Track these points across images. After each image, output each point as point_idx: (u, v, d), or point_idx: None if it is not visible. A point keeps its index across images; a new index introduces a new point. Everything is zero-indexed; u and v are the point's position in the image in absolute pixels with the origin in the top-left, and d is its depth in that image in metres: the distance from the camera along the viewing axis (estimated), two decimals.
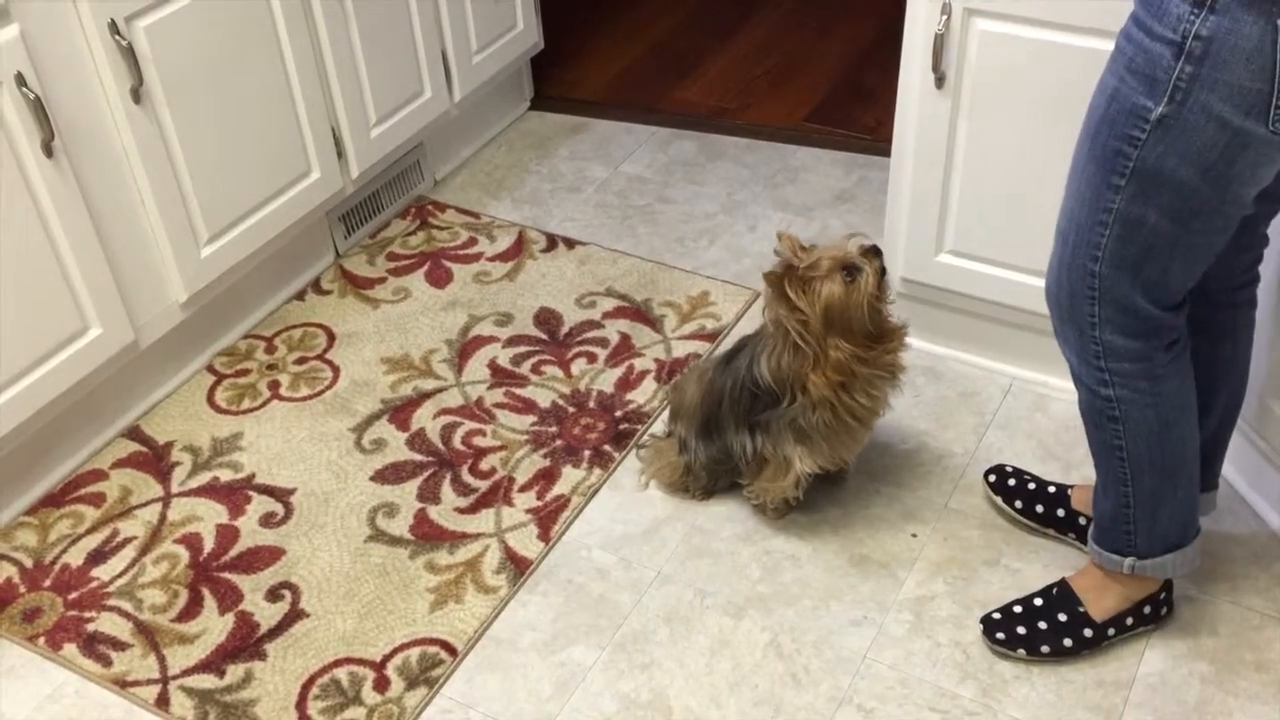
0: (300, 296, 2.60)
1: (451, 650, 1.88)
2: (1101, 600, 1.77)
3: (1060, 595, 1.80)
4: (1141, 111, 1.35)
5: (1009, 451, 2.14)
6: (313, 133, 2.42)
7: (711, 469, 2.03)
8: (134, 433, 2.28)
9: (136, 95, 2.04)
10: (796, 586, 1.95)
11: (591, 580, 1.98)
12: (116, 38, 1.98)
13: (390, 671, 1.85)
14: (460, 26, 2.74)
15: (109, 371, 2.18)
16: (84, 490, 2.17)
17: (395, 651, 1.88)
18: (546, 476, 2.15)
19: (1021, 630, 1.79)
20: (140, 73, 2.03)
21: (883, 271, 1.81)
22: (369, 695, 1.82)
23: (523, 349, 2.42)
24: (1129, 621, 1.79)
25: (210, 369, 2.42)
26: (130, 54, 2.00)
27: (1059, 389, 2.20)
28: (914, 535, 2.02)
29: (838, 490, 2.07)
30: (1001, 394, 2.26)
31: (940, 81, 1.97)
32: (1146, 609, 1.79)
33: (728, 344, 2.39)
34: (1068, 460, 2.10)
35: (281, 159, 2.38)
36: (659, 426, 2.21)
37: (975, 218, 2.09)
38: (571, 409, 2.28)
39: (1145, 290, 1.49)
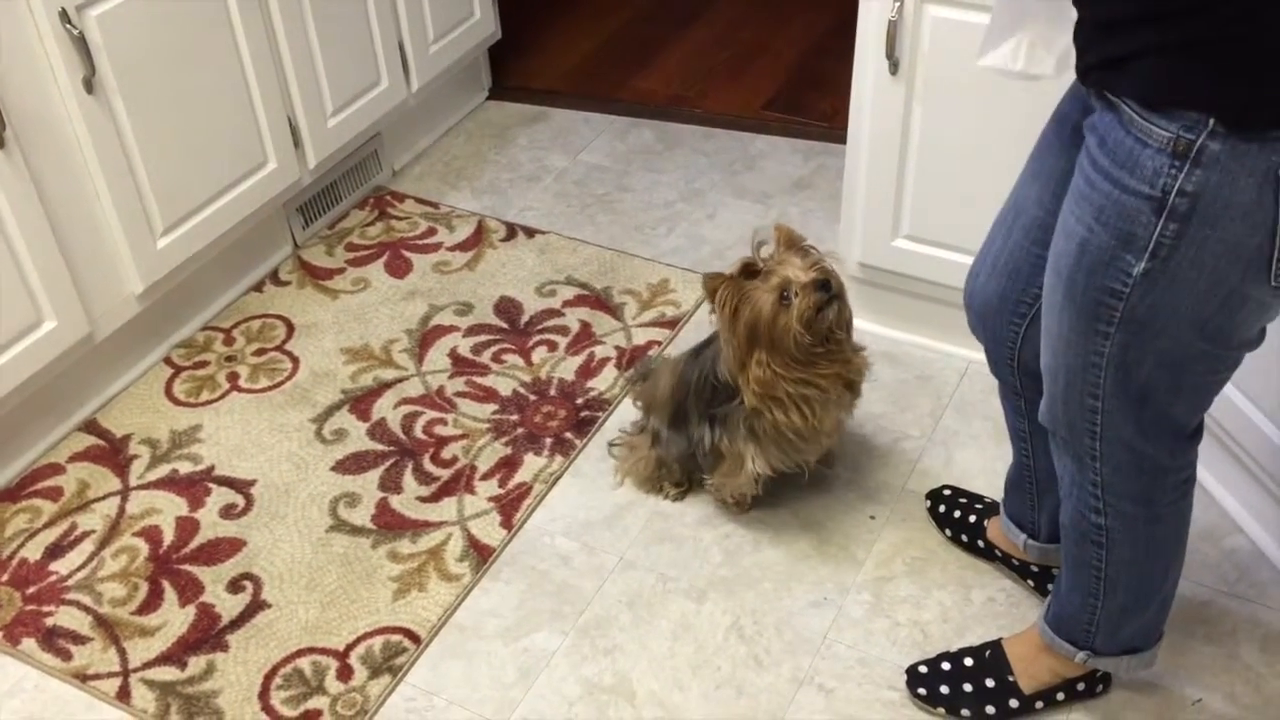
0: (258, 288, 2.58)
1: (415, 638, 1.88)
2: (1035, 671, 1.69)
3: (992, 659, 1.72)
4: (1123, 265, 1.22)
5: (964, 433, 2.17)
6: (269, 123, 2.41)
7: (684, 462, 2.04)
8: (91, 426, 2.27)
9: (89, 85, 2.02)
10: (757, 570, 1.97)
11: (554, 567, 1.99)
12: (68, 27, 1.96)
13: (353, 660, 1.85)
14: (417, 16, 2.73)
15: (65, 364, 2.16)
16: (41, 484, 2.15)
17: (358, 640, 1.88)
18: (508, 464, 2.15)
19: (944, 690, 1.73)
20: (93, 62, 2.01)
21: (823, 305, 1.74)
22: (332, 684, 1.82)
23: (483, 338, 2.43)
24: (1059, 697, 1.71)
25: (168, 361, 2.41)
26: (82, 43, 1.98)
27: None
28: (872, 517, 2.04)
29: (791, 476, 2.09)
30: (958, 377, 2.29)
31: (894, 68, 1.99)
32: (1081, 685, 1.71)
33: (688, 331, 2.41)
34: None
35: (237, 149, 2.37)
36: (628, 422, 2.21)
37: (930, 203, 2.12)
38: (532, 397, 2.29)
39: (1150, 428, 1.37)
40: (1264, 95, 1.09)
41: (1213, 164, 1.13)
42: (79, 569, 2.00)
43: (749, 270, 1.80)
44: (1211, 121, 1.11)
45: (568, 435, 2.21)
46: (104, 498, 2.13)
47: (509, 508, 2.08)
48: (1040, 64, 1.38)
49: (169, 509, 2.10)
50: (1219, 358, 1.31)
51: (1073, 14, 1.24)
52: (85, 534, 2.06)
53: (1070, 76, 1.33)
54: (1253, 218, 1.15)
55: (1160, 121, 1.14)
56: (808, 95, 3.12)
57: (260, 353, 2.42)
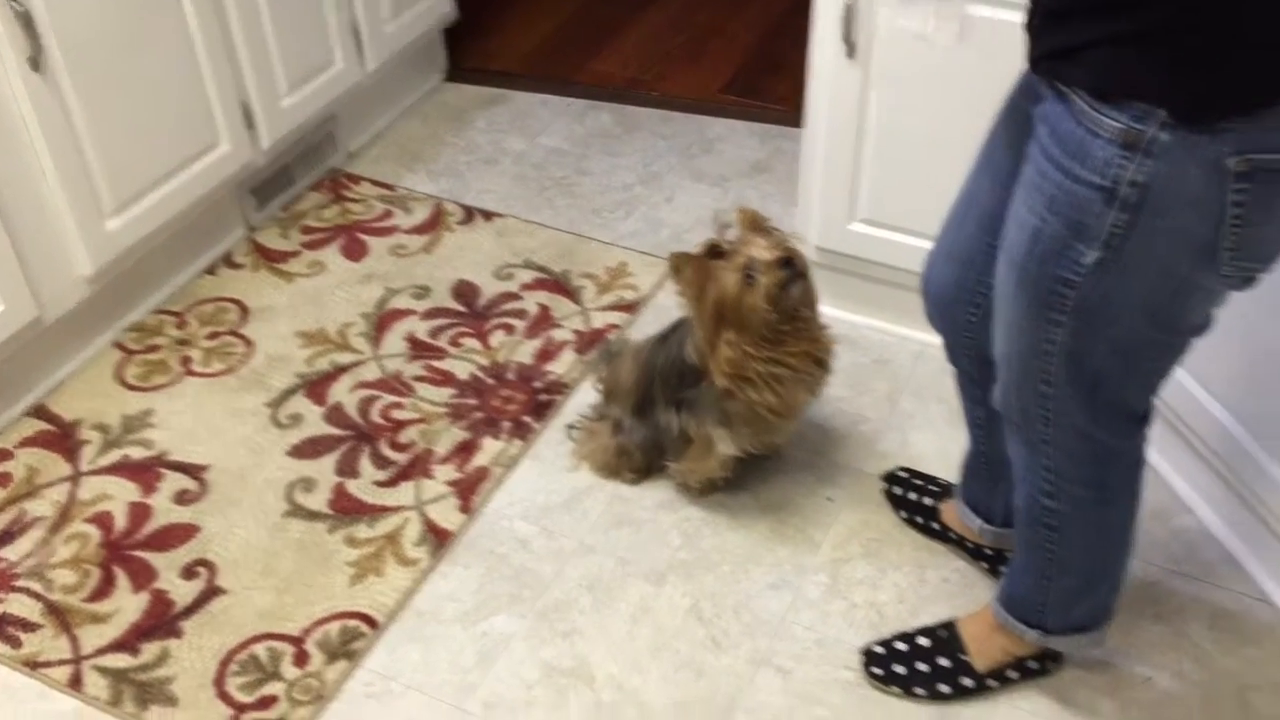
0: (212, 271, 2.55)
1: (372, 623, 1.87)
2: (988, 651, 1.72)
3: (947, 639, 1.75)
4: (1074, 254, 1.23)
5: (920, 415, 2.19)
6: (221, 103, 2.37)
7: (647, 449, 2.03)
8: (40, 411, 2.23)
9: (35, 64, 1.98)
10: (716, 553, 1.98)
11: (513, 551, 1.98)
12: (13, 4, 1.92)
13: (310, 646, 1.84)
14: None
15: (12, 348, 2.12)
16: None
17: (315, 626, 1.87)
18: (466, 448, 2.14)
19: (900, 669, 1.75)
20: (39, 40, 1.97)
21: (788, 282, 1.75)
22: (289, 670, 1.81)
23: (441, 321, 2.41)
24: (1012, 675, 1.74)
25: (119, 345, 2.37)
26: (28, 20, 1.94)
27: None
28: (830, 499, 2.05)
29: (755, 459, 2.10)
30: (913, 359, 2.31)
31: (851, 51, 1.99)
32: (1033, 664, 1.74)
33: (648, 315, 2.41)
34: None
35: (189, 130, 2.33)
36: (587, 405, 2.21)
37: (887, 186, 2.13)
38: (491, 381, 2.28)
39: (1102, 413, 1.39)
40: (1213, 87, 1.10)
41: (1162, 155, 1.13)
42: (29, 555, 1.97)
43: (714, 251, 1.80)
44: (1161, 113, 1.12)
45: (526, 419, 2.20)
46: (54, 484, 2.09)
47: (467, 492, 2.07)
48: (946, 33, 1.39)
49: (121, 495, 2.07)
50: (1169, 344, 1.33)
51: None
52: (35, 520, 2.03)
53: (1007, 60, 1.34)
54: (1201, 208, 1.16)
55: (1110, 112, 1.15)
56: (765, 79, 3.13)
57: (214, 336, 2.39)
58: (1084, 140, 1.18)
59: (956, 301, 1.58)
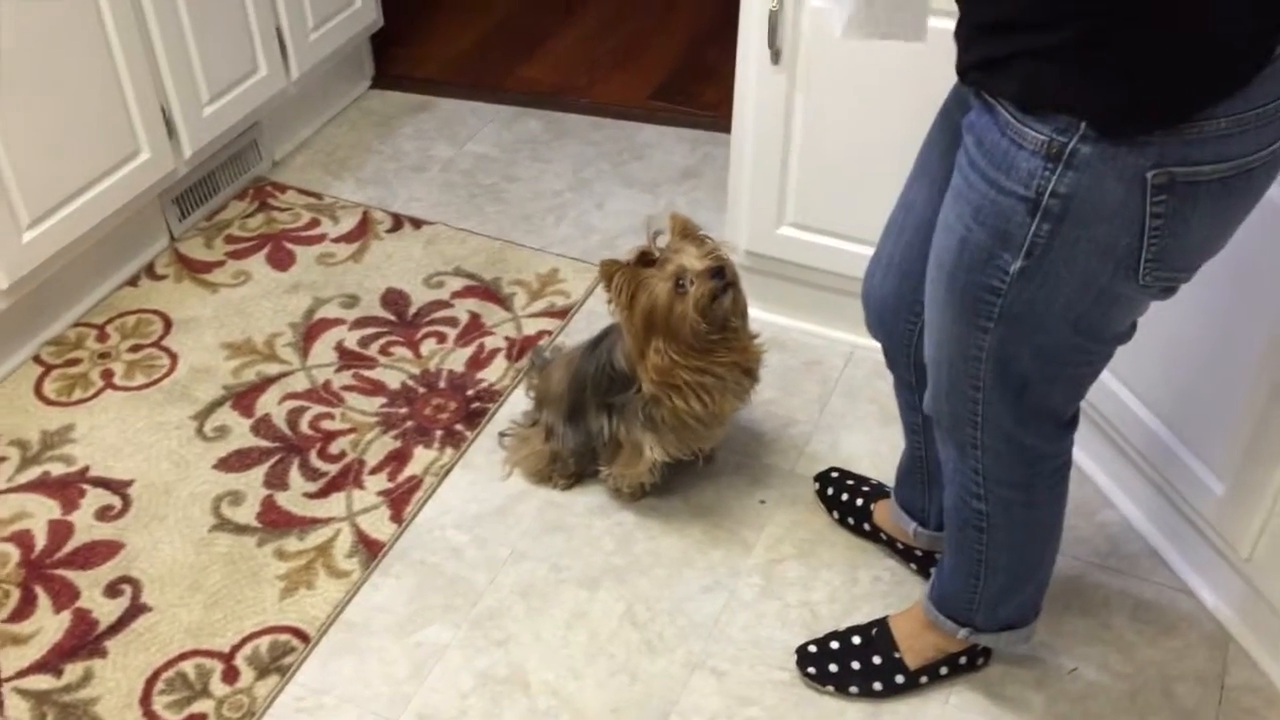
0: (133, 282, 2.50)
1: (303, 637, 1.84)
2: (919, 648, 1.74)
3: (879, 636, 1.77)
4: (1000, 263, 1.25)
5: (850, 416, 2.21)
6: (140, 111, 2.33)
7: (579, 455, 2.03)
8: None
9: None
10: (649, 557, 1.98)
11: (445, 560, 1.97)
12: None
13: (239, 662, 1.81)
14: (295, 2, 2.67)
15: None
16: None
17: (244, 641, 1.84)
18: (398, 458, 2.12)
19: (833, 668, 1.76)
20: None
21: (718, 293, 1.76)
22: (218, 687, 1.78)
23: (370, 330, 2.39)
24: (943, 671, 1.76)
25: (37, 359, 2.31)
26: None
27: None
28: (762, 501, 2.07)
29: (687, 464, 2.11)
30: (843, 362, 2.33)
31: (776, 57, 2.01)
32: (963, 659, 1.77)
33: (579, 321, 2.41)
34: None
35: (108, 138, 2.28)
36: (519, 412, 2.20)
37: (814, 190, 2.15)
38: (422, 389, 2.26)
39: (1029, 417, 1.41)
40: (1133, 100, 1.12)
41: (1084, 166, 1.15)
42: None
43: (645, 259, 1.80)
44: (1083, 125, 1.14)
45: (458, 427, 2.19)
46: None
47: (399, 502, 2.05)
48: (901, 30, 1.39)
49: (40, 512, 2.02)
50: (1093, 351, 1.35)
51: None
52: None
53: (932, 65, 1.35)
54: (1121, 219, 1.18)
55: (1034, 124, 1.17)
56: (694, 85, 3.14)
57: (136, 349, 2.34)
58: (1009, 151, 1.19)
59: (896, 311, 1.60)
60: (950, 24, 1.26)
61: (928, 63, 1.46)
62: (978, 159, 1.23)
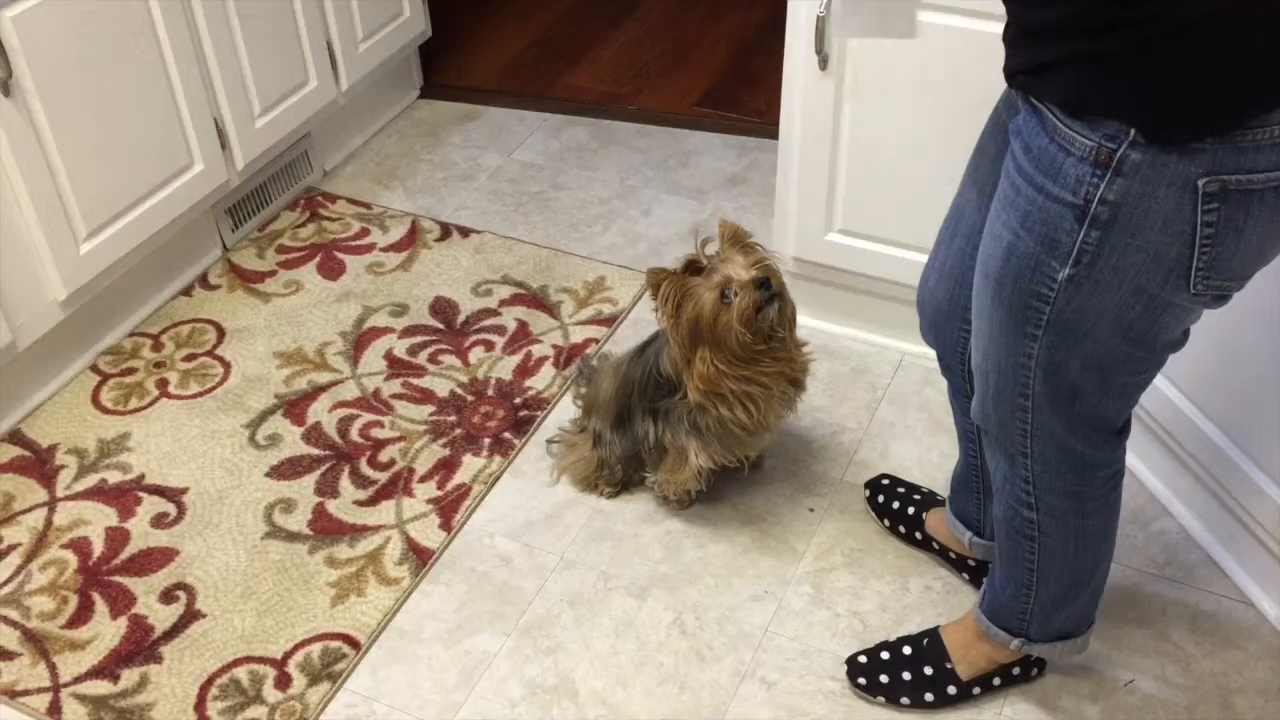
0: (187, 292, 2.54)
1: (354, 644, 1.86)
2: (971, 658, 1.72)
3: (930, 647, 1.75)
4: (1048, 270, 1.23)
5: (900, 424, 2.19)
6: (194, 124, 2.36)
7: (626, 462, 2.03)
8: (15, 437, 2.21)
9: (6, 88, 1.97)
10: (698, 565, 1.97)
11: (495, 568, 1.98)
12: None
13: (292, 668, 1.83)
14: (345, 14, 2.70)
15: None
16: None
17: (296, 648, 1.85)
18: (447, 466, 2.14)
19: (884, 679, 1.75)
20: (9, 64, 1.96)
21: (763, 304, 1.75)
22: (270, 693, 1.79)
23: (419, 339, 2.40)
24: (996, 682, 1.74)
25: (94, 369, 2.35)
26: None
27: None
28: (811, 510, 2.05)
29: (733, 471, 2.10)
30: (892, 369, 2.31)
31: (824, 63, 2.00)
32: (1016, 670, 1.74)
33: (626, 329, 2.41)
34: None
35: (162, 151, 2.32)
36: (567, 420, 2.21)
37: (862, 197, 2.14)
38: (470, 397, 2.27)
39: (1079, 426, 1.39)
40: (1182, 107, 1.11)
41: (1133, 174, 1.13)
42: (5, 583, 1.95)
43: (692, 267, 1.80)
44: (1132, 131, 1.13)
45: (506, 435, 2.19)
46: (30, 509, 2.08)
47: (448, 509, 2.06)
48: (892, 28, 1.38)
49: (98, 520, 2.06)
50: (1143, 359, 1.33)
51: None
52: (11, 547, 2.01)
53: (980, 70, 1.34)
54: (1172, 227, 1.16)
55: (1082, 130, 1.15)
56: (741, 91, 3.14)
57: (190, 358, 2.38)
58: (1056, 157, 1.18)
59: (949, 317, 1.59)
60: (997, 27, 1.25)
61: (975, 67, 1.45)
62: (1025, 164, 1.22)
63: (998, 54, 1.26)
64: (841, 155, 2.10)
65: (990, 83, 1.42)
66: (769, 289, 1.76)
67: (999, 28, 1.24)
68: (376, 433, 2.20)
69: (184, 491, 2.10)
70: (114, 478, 2.13)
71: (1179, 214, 1.15)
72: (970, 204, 1.48)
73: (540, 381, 2.30)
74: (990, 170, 1.41)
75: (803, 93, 2.06)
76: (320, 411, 2.25)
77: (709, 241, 1.83)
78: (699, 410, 1.84)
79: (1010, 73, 1.24)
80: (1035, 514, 1.51)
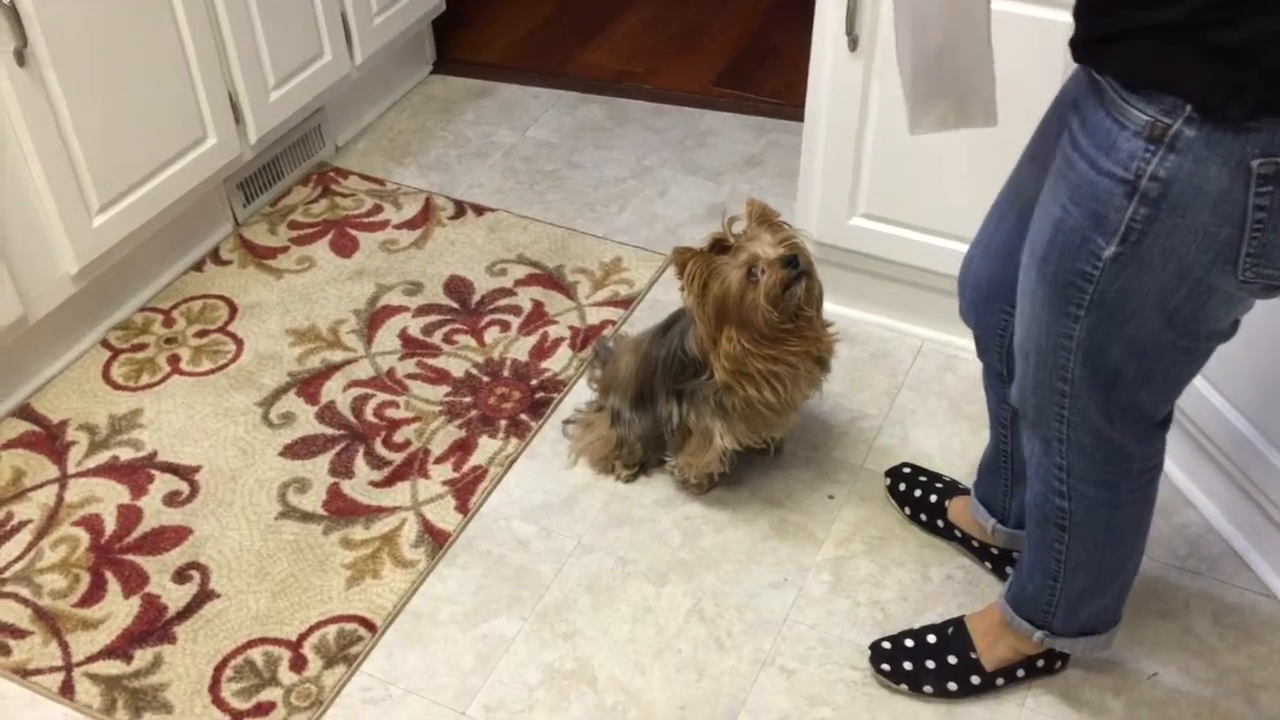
0: (199, 267, 2.51)
1: (370, 626, 1.84)
2: (996, 649, 1.71)
3: (955, 635, 1.73)
4: (1093, 247, 1.21)
5: (920, 411, 2.17)
6: (208, 97, 2.33)
7: (645, 441, 2.01)
8: (25, 411, 2.18)
9: (20, 57, 1.94)
10: (717, 551, 1.95)
11: (511, 551, 1.96)
12: None
13: (307, 650, 1.81)
14: None
15: None
16: None
17: (311, 630, 1.83)
18: (462, 447, 2.11)
19: (908, 666, 1.73)
20: (24, 33, 1.93)
21: (790, 282, 1.73)
22: (285, 675, 1.78)
23: (434, 318, 2.38)
24: (1020, 674, 1.73)
25: (105, 344, 2.33)
26: (13, 14, 1.90)
27: (967, 349, 2.21)
28: (831, 497, 2.04)
29: (755, 454, 2.08)
30: (912, 355, 2.29)
31: (854, 45, 1.97)
32: (1040, 662, 1.73)
33: (643, 310, 2.38)
34: (977, 420, 2.13)
35: (176, 124, 2.29)
36: (584, 400, 2.18)
37: (888, 181, 2.11)
38: (486, 378, 2.25)
39: (1118, 414, 1.36)
40: (1242, 84, 1.08)
41: (1186, 150, 1.12)
42: (16, 560, 1.93)
43: (719, 245, 1.78)
44: (1188, 107, 1.11)
45: (522, 417, 2.17)
46: (41, 486, 2.05)
47: (464, 491, 2.04)
48: (973, 118, 1.35)
49: (110, 497, 2.03)
50: (1187, 349, 1.31)
51: (993, 66, 1.22)
52: (22, 524, 1.99)
53: (1016, 54, 1.31)
54: (1223, 208, 1.14)
55: (1139, 104, 1.13)
56: (758, 71, 3.10)
57: (202, 334, 2.35)
58: (1111, 131, 1.16)
59: (990, 298, 1.56)
60: (1033, 10, 1.22)
61: (1009, 54, 1.42)
62: (1080, 138, 1.21)
63: (1032, 38, 1.24)
64: (868, 139, 2.07)
65: (1025, 70, 1.39)
66: (796, 267, 1.74)
67: (1035, 10, 1.22)
68: (391, 413, 2.18)
69: (197, 469, 2.08)
70: (126, 454, 2.11)
71: (1230, 196, 1.13)
72: (1028, 181, 1.45)
73: (557, 363, 2.28)
74: (1051, 149, 1.39)
75: (831, 73, 2.03)
76: (334, 390, 2.22)
77: (736, 220, 1.80)
78: (725, 391, 1.82)
79: (1075, 44, 1.22)
80: (1067, 502, 1.48)
